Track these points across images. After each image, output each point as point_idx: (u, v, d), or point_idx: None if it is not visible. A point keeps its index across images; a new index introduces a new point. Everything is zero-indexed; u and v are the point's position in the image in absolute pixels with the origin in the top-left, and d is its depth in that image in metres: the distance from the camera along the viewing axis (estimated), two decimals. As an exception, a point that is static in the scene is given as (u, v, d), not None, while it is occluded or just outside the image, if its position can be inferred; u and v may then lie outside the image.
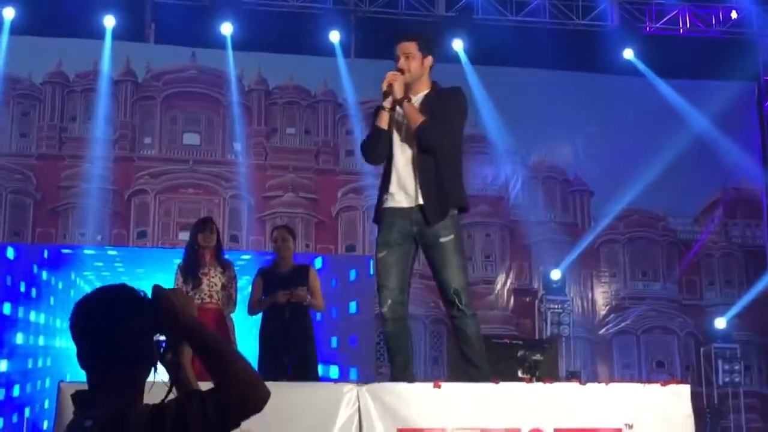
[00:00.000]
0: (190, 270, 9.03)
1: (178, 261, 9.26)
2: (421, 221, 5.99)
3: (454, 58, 16.28)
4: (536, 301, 15.98)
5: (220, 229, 9.90)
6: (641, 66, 16.58)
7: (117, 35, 15.66)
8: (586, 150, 16.77)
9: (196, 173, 15.81)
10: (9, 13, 15.22)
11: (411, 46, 6.27)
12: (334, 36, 15.87)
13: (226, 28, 15.66)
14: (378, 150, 6.12)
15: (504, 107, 16.03)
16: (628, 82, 16.61)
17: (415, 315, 15.54)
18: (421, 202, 5.99)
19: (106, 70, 15.71)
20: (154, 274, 13.01)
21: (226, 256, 9.42)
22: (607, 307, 16.50)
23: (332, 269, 14.56)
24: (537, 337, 15.04)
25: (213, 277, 9.02)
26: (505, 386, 5.79)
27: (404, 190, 6.05)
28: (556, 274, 15.54)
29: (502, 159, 16.53)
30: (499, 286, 16.28)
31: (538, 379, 6.99)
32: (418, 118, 5.99)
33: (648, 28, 16.78)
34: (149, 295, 3.01)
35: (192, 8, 15.90)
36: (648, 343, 16.44)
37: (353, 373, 14.02)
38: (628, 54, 16.61)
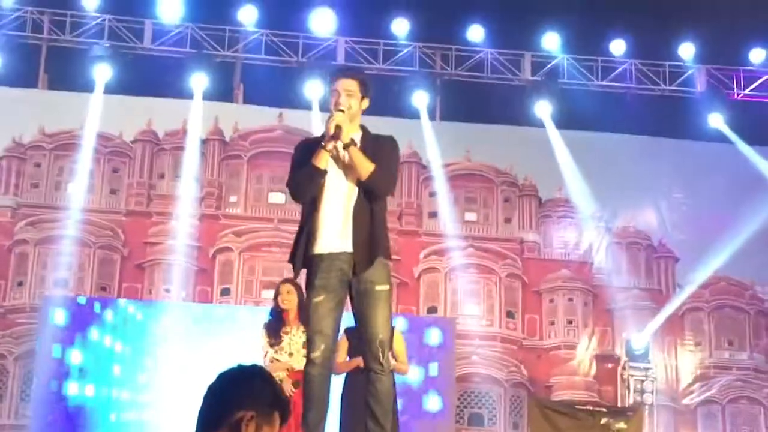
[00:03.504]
0: (273, 329, 9.13)
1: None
2: (351, 267, 5.86)
3: (539, 122, 16.29)
4: (619, 368, 15.76)
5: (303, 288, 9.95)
6: (728, 132, 16.42)
7: (206, 95, 15.96)
8: (672, 216, 16.62)
9: (280, 232, 15.94)
10: (103, 72, 15.59)
11: (354, 85, 6.02)
12: (420, 98, 16.00)
13: (313, 90, 15.87)
14: (313, 188, 5.91)
15: (589, 172, 15.98)
16: (715, 149, 16.46)
17: (495, 378, 15.49)
18: (350, 249, 5.84)
19: (194, 129, 15.99)
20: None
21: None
22: (692, 376, 16.22)
23: (414, 331, 14.55)
24: (620, 405, 14.83)
25: (294, 335, 9.10)
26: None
27: (334, 235, 5.86)
28: (639, 341, 15.33)
29: (586, 224, 16.42)
30: (581, 352, 16.10)
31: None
32: (368, 166, 5.78)
33: (736, 94, 16.63)
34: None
35: (280, 69, 16.18)
36: (733, 413, 16.10)
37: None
38: (715, 120, 16.46)
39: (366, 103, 6.01)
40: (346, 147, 5.76)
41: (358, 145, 5.84)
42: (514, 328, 16.14)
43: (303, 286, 6.29)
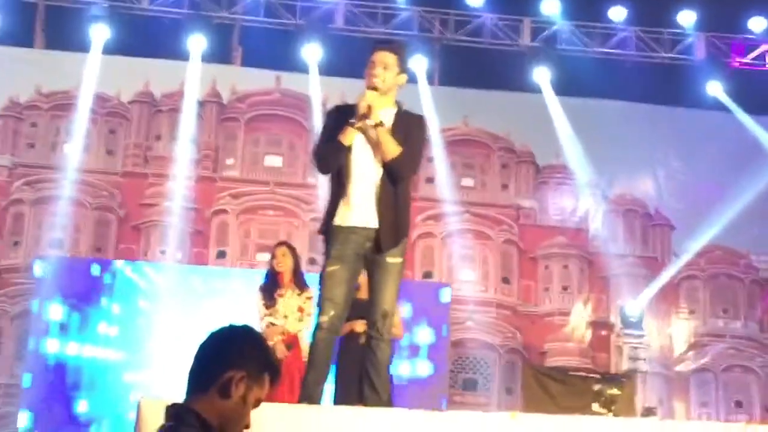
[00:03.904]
0: (268, 291, 9.18)
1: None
2: (373, 244, 5.93)
3: (537, 88, 16.25)
4: (613, 335, 15.82)
5: (300, 252, 9.97)
6: (727, 101, 16.39)
7: (204, 57, 15.90)
8: (669, 184, 16.62)
9: (276, 195, 15.94)
10: (100, 32, 15.51)
11: (391, 58, 6.03)
12: (418, 63, 15.94)
13: (311, 53, 15.81)
14: (337, 163, 5.97)
15: (586, 139, 15.96)
16: (713, 117, 16.44)
17: (490, 344, 15.55)
18: (376, 225, 5.92)
19: (192, 91, 15.94)
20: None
21: (305, 279, 9.49)
22: (686, 344, 16.27)
23: (409, 296, 14.55)
24: (613, 371, 14.89)
25: (289, 298, 9.14)
26: (582, 420, 5.73)
27: (361, 211, 5.90)
28: (634, 309, 15.37)
29: (583, 191, 16.42)
30: (575, 319, 16.14)
31: (615, 414, 6.91)
32: (394, 150, 5.82)
33: (735, 62, 16.59)
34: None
35: (279, 32, 16.11)
36: (727, 381, 16.17)
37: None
38: (714, 88, 16.42)
39: (403, 78, 6.07)
40: (375, 127, 5.80)
41: (390, 122, 5.92)
42: (509, 294, 16.17)
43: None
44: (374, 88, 5.91)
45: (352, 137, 5.87)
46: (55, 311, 14.29)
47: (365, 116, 5.80)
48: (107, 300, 14.39)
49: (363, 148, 5.93)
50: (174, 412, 2.99)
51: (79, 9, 15.76)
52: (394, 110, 6.02)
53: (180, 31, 15.74)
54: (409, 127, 6.01)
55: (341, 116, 6.00)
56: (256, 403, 3.06)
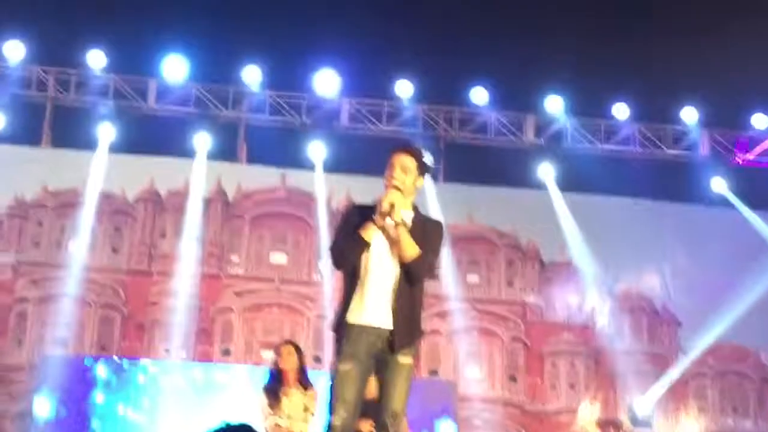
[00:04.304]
0: (272, 390, 9.06)
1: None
2: (386, 344, 5.87)
3: (542, 185, 16.29)
4: (622, 433, 15.61)
5: (304, 350, 9.89)
6: (731, 197, 16.40)
7: (210, 155, 15.98)
8: (675, 280, 16.55)
9: (281, 293, 15.87)
10: (107, 131, 15.61)
11: (411, 161, 6.04)
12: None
13: (317, 150, 15.89)
14: (355, 259, 5.95)
15: (591, 235, 15.94)
16: (718, 213, 16.44)
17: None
18: (389, 326, 5.87)
19: (197, 189, 15.98)
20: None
21: (309, 377, 9.40)
22: (696, 443, 16.06)
23: (415, 395, 14.40)
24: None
25: (294, 397, 9.03)
26: None
27: (376, 309, 5.84)
28: (643, 407, 15.19)
29: (589, 287, 16.35)
30: (583, 417, 15.93)
31: None
32: (414, 250, 5.81)
33: (738, 159, 16.63)
34: None
35: (284, 130, 16.20)
36: (739, 483, 15.92)
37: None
38: (718, 184, 16.45)
39: (421, 181, 6.04)
40: (396, 226, 5.80)
41: (409, 225, 5.90)
42: (516, 392, 16.01)
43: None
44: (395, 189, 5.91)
45: (373, 234, 5.87)
46: (57, 409, 14.13)
47: (388, 214, 5.79)
48: (110, 398, 14.24)
49: (381, 246, 5.88)
50: None
51: (86, 109, 15.91)
52: (412, 213, 6.01)
53: (186, 130, 15.86)
54: (427, 230, 5.99)
55: (361, 214, 5.98)
56: None
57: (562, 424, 15.85)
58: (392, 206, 5.78)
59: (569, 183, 16.29)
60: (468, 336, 15.90)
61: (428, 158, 6.12)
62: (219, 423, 3.09)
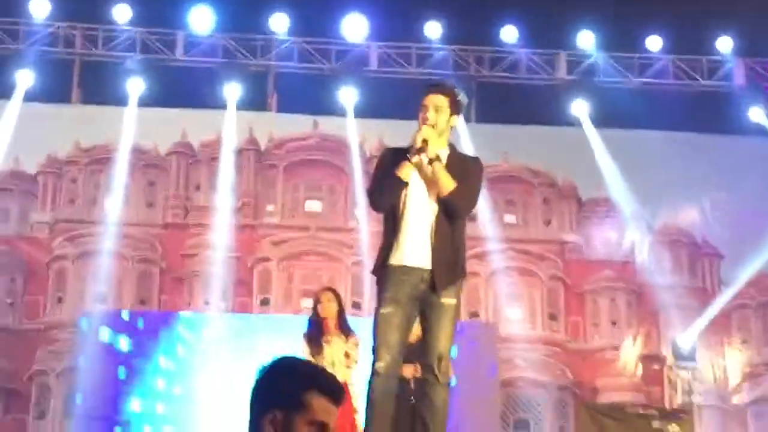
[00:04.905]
0: (313, 338, 9.01)
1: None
2: (428, 285, 5.77)
3: (576, 122, 16.11)
4: (665, 369, 15.53)
5: (343, 296, 9.84)
6: (769, 126, 16.17)
7: (240, 105, 15.90)
8: (714, 212, 16.36)
9: (318, 240, 15.85)
10: (137, 85, 15.56)
11: (443, 100, 5.92)
12: (455, 101, 15.82)
13: (347, 96, 15.77)
14: (393, 201, 5.86)
15: (628, 171, 15.76)
16: (757, 143, 16.17)
17: (540, 382, 15.32)
18: (430, 266, 5.76)
19: (229, 140, 15.93)
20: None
21: (349, 324, 9.36)
22: (741, 375, 15.94)
23: (456, 337, 14.36)
24: (668, 406, 14.60)
25: (335, 344, 8.98)
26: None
27: (416, 250, 5.72)
28: (685, 341, 15.09)
29: (627, 223, 16.21)
30: (626, 353, 15.87)
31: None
32: (450, 184, 5.70)
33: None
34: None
35: (313, 77, 16.08)
36: (784, 412, 15.83)
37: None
38: (756, 114, 16.19)
39: (455, 120, 5.92)
40: (431, 162, 5.68)
41: (445, 162, 5.78)
42: (557, 330, 15.96)
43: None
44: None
45: (409, 172, 5.75)
46: (119, 370, 14.22)
47: (422, 150, 5.69)
48: (155, 353, 14.30)
49: (418, 185, 5.78)
50: None
51: (114, 63, 15.84)
52: (448, 152, 5.90)
53: (215, 81, 15.77)
54: (463, 165, 5.88)
55: (396, 156, 5.87)
56: (320, 429, 2.87)
57: (605, 361, 15.79)
58: (425, 142, 5.68)
59: (604, 119, 16.11)
60: (507, 277, 15.83)
61: (461, 96, 5.97)
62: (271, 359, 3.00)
